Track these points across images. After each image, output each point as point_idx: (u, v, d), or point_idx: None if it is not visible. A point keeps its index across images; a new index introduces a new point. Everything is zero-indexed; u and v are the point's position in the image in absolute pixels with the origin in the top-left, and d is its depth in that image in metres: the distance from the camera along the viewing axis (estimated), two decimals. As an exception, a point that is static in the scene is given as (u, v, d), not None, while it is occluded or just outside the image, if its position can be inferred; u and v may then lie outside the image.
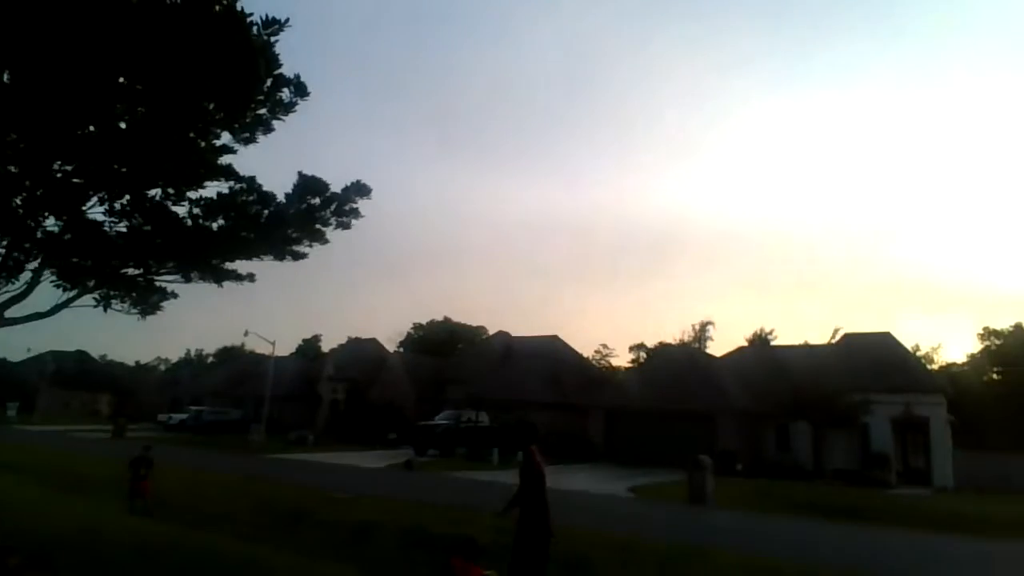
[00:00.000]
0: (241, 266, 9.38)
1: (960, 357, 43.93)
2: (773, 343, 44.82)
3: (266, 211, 8.64)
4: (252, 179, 8.51)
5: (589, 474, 23.36)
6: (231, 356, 66.04)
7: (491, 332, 49.98)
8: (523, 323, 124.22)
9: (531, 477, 5.57)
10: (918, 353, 42.37)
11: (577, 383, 36.48)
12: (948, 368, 41.02)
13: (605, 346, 61.08)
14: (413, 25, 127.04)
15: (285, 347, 66.55)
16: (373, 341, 49.99)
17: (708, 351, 44.28)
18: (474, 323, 62.41)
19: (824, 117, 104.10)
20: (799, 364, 31.21)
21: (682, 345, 47.02)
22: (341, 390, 42.33)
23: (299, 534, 9.93)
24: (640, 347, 56.89)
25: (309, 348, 67.26)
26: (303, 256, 9.35)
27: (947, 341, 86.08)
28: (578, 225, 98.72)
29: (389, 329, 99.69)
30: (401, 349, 60.26)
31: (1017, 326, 38.07)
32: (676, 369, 32.69)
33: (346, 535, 9.83)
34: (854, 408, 26.67)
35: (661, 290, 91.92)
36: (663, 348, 46.34)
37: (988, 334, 39.67)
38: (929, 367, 39.09)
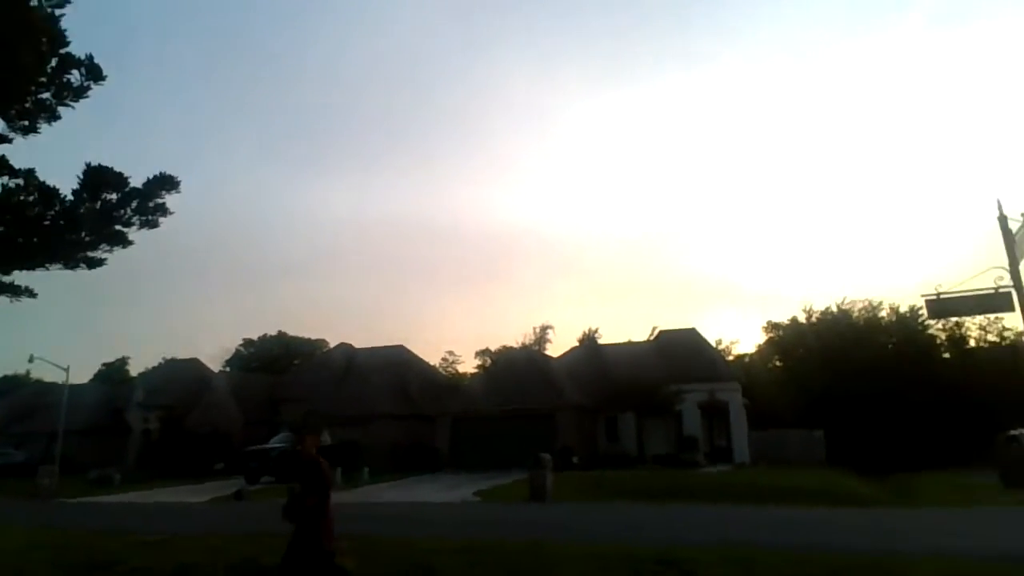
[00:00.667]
0: (20, 277, 8.03)
1: (750, 348, 50.99)
2: (600, 342, 48.38)
3: (50, 212, 7.48)
4: (31, 173, 7.31)
5: (434, 483, 23.34)
6: (14, 386, 55.80)
7: (332, 345, 47.92)
8: (365, 334, 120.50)
9: (314, 480, 4.69)
10: (720, 346, 48.45)
11: (425, 392, 36.30)
12: (741, 358, 47.37)
13: (452, 353, 61.48)
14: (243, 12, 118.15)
15: (82, 373, 57.79)
16: (193, 361, 45.44)
17: (547, 353, 46.57)
18: (312, 336, 59.37)
19: (638, 118, 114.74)
20: (623, 360, 34.19)
21: (523, 348, 48.95)
22: (154, 418, 37.79)
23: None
24: (485, 352, 58.14)
25: (114, 373, 59.16)
26: (100, 263, 8.19)
27: (742, 335, 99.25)
28: (420, 232, 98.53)
29: (214, 348, 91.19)
30: (228, 369, 55.36)
31: (793, 319, 45.13)
32: (518, 371, 33.91)
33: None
34: (670, 398, 29.85)
35: (505, 295, 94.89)
36: (506, 352, 47.80)
37: (771, 327, 46.49)
38: (728, 358, 44.79)
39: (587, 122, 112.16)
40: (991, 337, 39.00)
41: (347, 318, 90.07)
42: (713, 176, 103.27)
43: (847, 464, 28.26)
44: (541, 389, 31.56)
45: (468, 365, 59.80)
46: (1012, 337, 36.61)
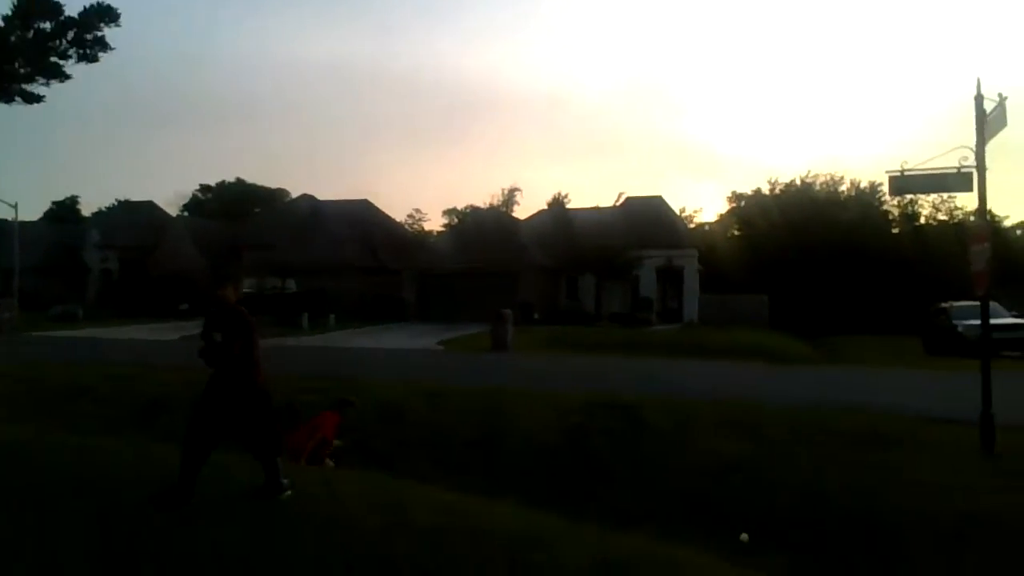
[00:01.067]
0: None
1: (712, 217, 52.07)
2: (568, 206, 48.52)
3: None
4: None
5: (400, 332, 24.27)
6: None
7: (294, 196, 46.71)
8: (328, 186, 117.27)
9: (238, 328, 4.23)
10: (683, 214, 49.30)
11: (391, 247, 36.42)
12: (702, 227, 48.54)
13: (418, 210, 60.92)
14: None
15: (31, 210, 55.54)
16: (149, 204, 44.00)
17: (514, 215, 46.60)
18: (272, 184, 57.50)
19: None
20: (588, 224, 34.73)
21: (491, 209, 48.78)
22: (113, 259, 37.23)
23: (77, 413, 9.12)
24: (453, 211, 57.72)
25: (65, 212, 56.89)
26: (39, 99, 7.60)
27: (706, 203, 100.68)
28: (389, 83, 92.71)
29: (168, 191, 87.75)
30: (186, 213, 53.85)
31: (757, 191, 45.76)
32: (485, 231, 34.15)
33: (135, 410, 9.26)
34: (630, 262, 30.88)
35: (474, 156, 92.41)
36: (473, 212, 47.65)
37: (735, 197, 47.21)
38: (690, 226, 45.81)
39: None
40: (941, 216, 40.62)
41: (308, 168, 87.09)
42: (686, 37, 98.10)
43: (788, 327, 30.37)
44: (506, 249, 32.00)
45: (435, 223, 59.67)
46: (961, 216, 38.15)
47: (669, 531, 5.27)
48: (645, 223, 33.37)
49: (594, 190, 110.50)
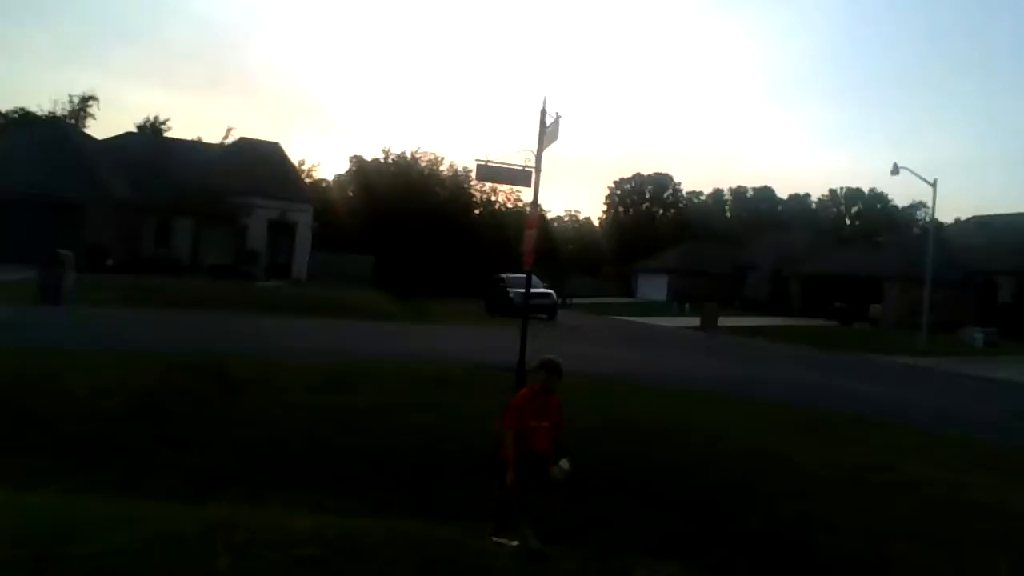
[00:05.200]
0: None
1: (331, 175, 52.10)
2: (167, 134, 41.54)
3: None
4: None
5: None
6: None
7: None
8: None
9: None
10: (302, 167, 47.86)
11: None
12: (320, 183, 48.18)
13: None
14: None
15: None
16: None
17: (87, 131, 37.40)
18: None
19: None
20: (190, 160, 30.46)
21: (53, 119, 38.14)
22: None
23: None
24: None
25: None
26: None
27: (326, 160, 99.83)
28: None
29: None
30: None
31: (375, 159, 47.68)
32: (43, 148, 26.57)
33: None
34: (238, 209, 28.35)
35: (39, 44, 69.89)
36: (27, 119, 36.47)
37: (356, 160, 48.34)
38: (307, 180, 44.83)
39: None
40: (510, 205, 49.63)
41: None
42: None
43: (389, 288, 32.86)
44: (72, 174, 25.63)
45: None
46: (522, 205, 47.28)
47: (256, 492, 5.15)
48: (259, 169, 31.03)
49: (204, 126, 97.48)
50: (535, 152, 9.43)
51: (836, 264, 38.82)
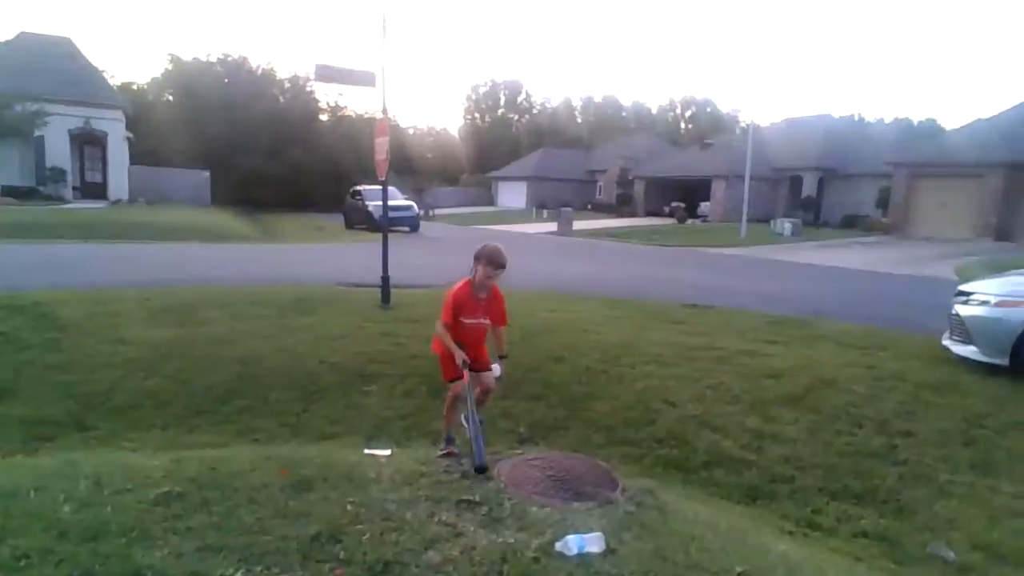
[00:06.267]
0: None
1: (145, 78, 44.97)
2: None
3: None
4: None
5: None
6: None
7: None
8: None
9: None
10: (103, 68, 40.58)
11: None
12: (130, 86, 41.33)
13: None
14: None
15: None
16: None
17: None
18: None
19: None
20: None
21: None
22: None
23: None
24: None
25: None
26: None
27: (136, 60, 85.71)
28: None
29: None
30: None
31: (196, 58, 41.38)
32: None
33: None
34: (27, 118, 23.83)
35: None
36: None
37: (174, 59, 41.53)
38: (112, 82, 38.35)
39: None
40: (364, 114, 46.43)
41: None
42: None
43: (230, 205, 30.10)
44: None
45: None
46: (372, 115, 44.54)
47: (102, 440, 4.80)
48: (48, 70, 25.94)
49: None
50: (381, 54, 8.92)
51: (673, 166, 41.77)
